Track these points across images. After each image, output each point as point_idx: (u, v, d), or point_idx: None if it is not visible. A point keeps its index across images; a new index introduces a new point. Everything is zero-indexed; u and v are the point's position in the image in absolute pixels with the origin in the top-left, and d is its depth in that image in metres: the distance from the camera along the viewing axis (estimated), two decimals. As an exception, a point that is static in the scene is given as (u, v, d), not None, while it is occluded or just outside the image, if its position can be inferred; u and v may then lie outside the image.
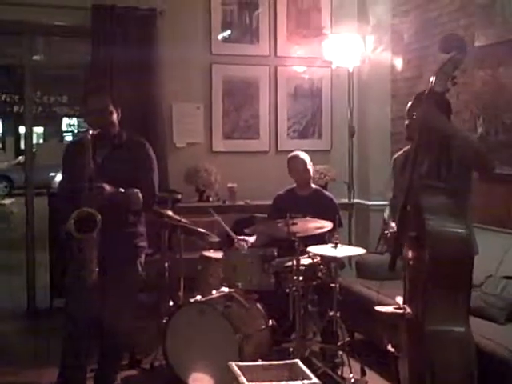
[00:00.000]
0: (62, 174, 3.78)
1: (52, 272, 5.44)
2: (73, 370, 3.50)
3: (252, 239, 4.52)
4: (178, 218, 4.22)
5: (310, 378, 2.95)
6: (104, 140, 3.50)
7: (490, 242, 4.02)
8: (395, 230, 3.20)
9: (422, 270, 2.90)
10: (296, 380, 2.98)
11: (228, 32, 5.85)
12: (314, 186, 4.75)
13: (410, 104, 3.33)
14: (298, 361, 3.20)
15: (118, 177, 3.46)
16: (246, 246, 4.44)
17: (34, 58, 6.63)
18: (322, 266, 4.14)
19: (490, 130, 4.55)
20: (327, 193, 4.82)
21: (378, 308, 3.35)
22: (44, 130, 24.54)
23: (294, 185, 4.73)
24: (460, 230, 2.88)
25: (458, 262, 2.84)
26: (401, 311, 3.13)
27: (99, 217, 3.28)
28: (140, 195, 3.51)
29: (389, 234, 3.33)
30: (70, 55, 6.47)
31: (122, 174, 3.51)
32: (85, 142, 3.39)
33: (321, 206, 4.46)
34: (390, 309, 3.23)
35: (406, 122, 3.33)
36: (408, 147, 3.34)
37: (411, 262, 3.06)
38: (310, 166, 4.67)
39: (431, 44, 5.13)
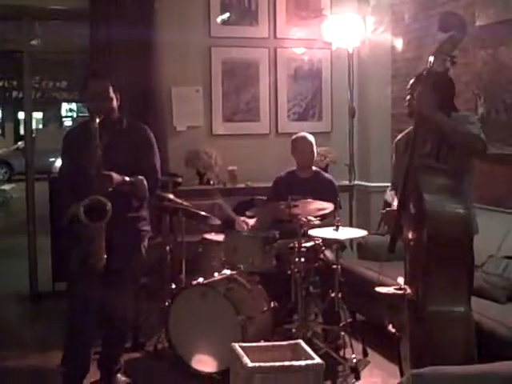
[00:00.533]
0: (63, 159, 3.78)
1: (53, 256, 5.46)
2: (77, 352, 3.52)
3: (252, 221, 4.53)
4: (179, 201, 4.23)
5: (312, 358, 2.97)
6: (105, 126, 3.47)
7: (492, 222, 4.03)
8: (395, 207, 3.21)
9: (421, 251, 2.91)
10: (299, 360, 3.00)
11: (227, 14, 5.81)
12: (314, 168, 4.75)
13: (411, 82, 3.32)
14: (301, 341, 3.22)
15: (120, 163, 3.46)
16: (246, 227, 4.44)
17: (33, 42, 6.58)
18: (323, 248, 4.16)
19: (491, 110, 4.53)
20: (327, 175, 4.82)
21: (378, 289, 3.37)
22: (43, 116, 24.47)
23: (295, 167, 4.73)
24: (459, 210, 2.89)
25: (457, 242, 2.85)
26: (401, 292, 3.15)
27: (109, 205, 3.29)
28: (145, 182, 3.51)
29: (384, 211, 3.34)
30: (69, 40, 6.42)
31: (125, 161, 3.51)
32: (92, 129, 3.37)
33: (321, 188, 4.46)
34: (390, 289, 3.25)
35: (408, 98, 3.31)
36: (409, 129, 3.34)
37: (411, 243, 3.06)
38: (315, 149, 4.67)
39: (431, 24, 5.08)
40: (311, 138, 4.70)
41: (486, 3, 4.56)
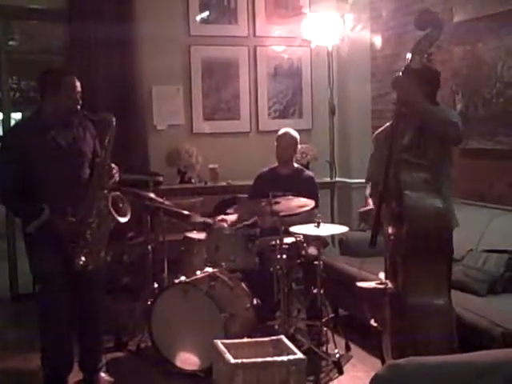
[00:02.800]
0: (6, 162, 3.43)
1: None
2: (59, 353, 3.49)
3: (232, 217, 4.52)
4: (160, 200, 4.22)
5: (294, 353, 2.98)
6: (74, 121, 3.50)
7: (472, 216, 4.07)
8: (371, 207, 3.23)
9: (401, 245, 2.93)
10: (281, 356, 3.01)
11: (206, 13, 5.80)
12: (295, 165, 4.75)
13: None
14: (283, 337, 3.23)
15: (87, 155, 3.53)
16: (225, 225, 4.43)
17: (10, 43, 6.52)
18: (305, 245, 4.16)
19: (470, 106, 4.57)
20: (308, 172, 4.82)
21: (359, 284, 3.39)
22: (22, 116, 24.29)
23: (276, 164, 4.73)
24: (437, 205, 2.92)
25: (436, 236, 2.88)
26: (382, 286, 3.17)
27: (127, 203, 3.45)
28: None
29: (360, 210, 3.37)
30: (48, 40, 6.37)
31: (89, 153, 3.56)
32: (111, 127, 3.45)
33: (301, 185, 4.46)
34: (371, 284, 3.27)
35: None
36: (389, 123, 3.35)
37: (392, 238, 3.08)
38: (296, 146, 4.67)
39: (410, 21, 5.09)
40: (294, 133, 4.69)
41: (463, 0, 4.59)
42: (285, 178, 4.60)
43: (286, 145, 4.64)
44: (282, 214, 3.96)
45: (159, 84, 5.65)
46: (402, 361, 1.85)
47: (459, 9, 4.63)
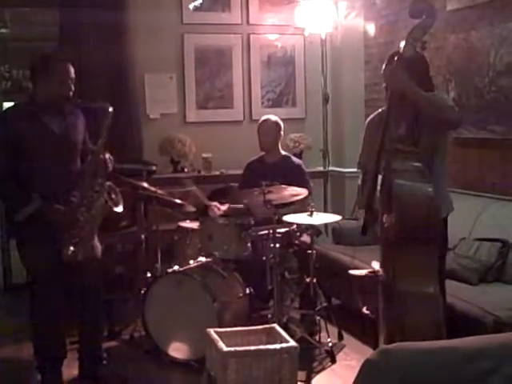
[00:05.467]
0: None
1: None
2: (52, 340, 3.48)
3: (224, 207, 4.52)
4: (153, 189, 4.21)
5: (287, 342, 2.99)
6: (60, 107, 3.47)
7: (463, 205, 4.06)
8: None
9: (392, 232, 2.94)
10: (274, 344, 3.02)
11: (199, 1, 5.76)
12: (283, 152, 4.71)
13: (384, 66, 3.32)
14: (276, 325, 3.24)
15: (78, 143, 3.51)
16: (217, 212, 4.42)
17: (2, 30, 6.47)
18: (298, 234, 4.17)
19: (462, 95, 4.57)
20: (296, 159, 4.77)
21: (352, 272, 3.40)
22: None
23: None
24: (427, 194, 2.92)
25: (425, 224, 2.89)
26: (374, 274, 3.18)
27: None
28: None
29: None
30: (39, 27, 6.32)
31: (80, 141, 3.54)
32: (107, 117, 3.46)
33: (289, 173, 4.43)
34: (363, 272, 3.28)
35: (384, 85, 3.32)
36: (382, 109, 3.34)
37: (385, 225, 3.09)
38: (278, 131, 4.61)
39: (403, 9, 5.10)
40: (275, 119, 4.65)
41: (456, -12, 4.58)
42: (272, 166, 4.57)
43: (265, 130, 4.60)
44: (274, 203, 3.96)
45: (152, 72, 5.62)
46: (391, 346, 1.87)
47: (452, -3, 4.61)
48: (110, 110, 3.44)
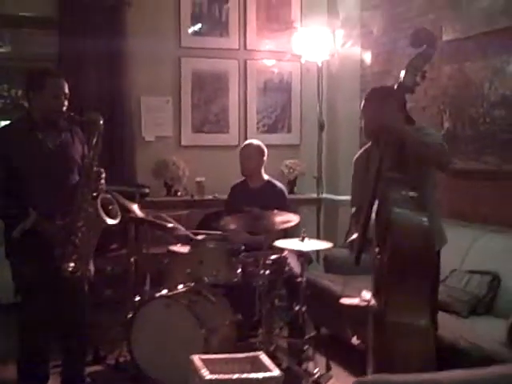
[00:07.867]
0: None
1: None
2: (35, 367, 3.45)
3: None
4: (140, 214, 4.16)
5: (271, 371, 2.94)
6: (60, 124, 3.47)
7: (455, 236, 4.00)
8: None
9: (384, 263, 2.91)
10: (258, 372, 2.97)
11: (198, 25, 5.80)
12: (266, 177, 4.66)
13: (363, 104, 3.30)
14: (262, 353, 3.20)
15: (75, 160, 3.50)
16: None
17: (1, 50, 6.49)
18: (289, 261, 4.14)
19: (457, 125, 4.57)
20: (279, 184, 4.70)
21: (342, 300, 3.36)
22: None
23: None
24: (422, 224, 2.88)
25: (419, 255, 2.85)
26: (365, 303, 3.14)
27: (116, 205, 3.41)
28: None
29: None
30: (38, 48, 6.35)
31: (77, 158, 3.52)
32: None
33: (269, 199, 4.38)
34: (354, 301, 3.24)
35: (363, 122, 3.31)
36: (367, 146, 3.35)
37: (378, 256, 3.06)
38: (261, 156, 4.57)
39: (400, 38, 5.14)
40: (257, 144, 4.62)
41: (452, 19, 4.61)
42: (254, 192, 4.54)
43: (248, 155, 4.58)
44: (266, 229, 3.94)
45: (148, 95, 5.63)
46: (369, 378, 1.84)
47: (448, 27, 4.64)
48: (101, 120, 3.42)
